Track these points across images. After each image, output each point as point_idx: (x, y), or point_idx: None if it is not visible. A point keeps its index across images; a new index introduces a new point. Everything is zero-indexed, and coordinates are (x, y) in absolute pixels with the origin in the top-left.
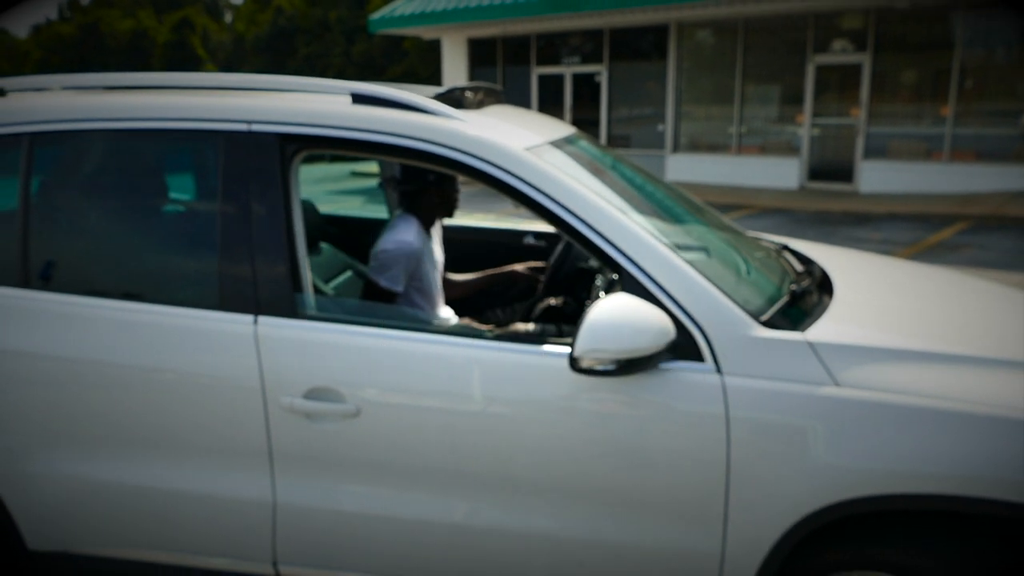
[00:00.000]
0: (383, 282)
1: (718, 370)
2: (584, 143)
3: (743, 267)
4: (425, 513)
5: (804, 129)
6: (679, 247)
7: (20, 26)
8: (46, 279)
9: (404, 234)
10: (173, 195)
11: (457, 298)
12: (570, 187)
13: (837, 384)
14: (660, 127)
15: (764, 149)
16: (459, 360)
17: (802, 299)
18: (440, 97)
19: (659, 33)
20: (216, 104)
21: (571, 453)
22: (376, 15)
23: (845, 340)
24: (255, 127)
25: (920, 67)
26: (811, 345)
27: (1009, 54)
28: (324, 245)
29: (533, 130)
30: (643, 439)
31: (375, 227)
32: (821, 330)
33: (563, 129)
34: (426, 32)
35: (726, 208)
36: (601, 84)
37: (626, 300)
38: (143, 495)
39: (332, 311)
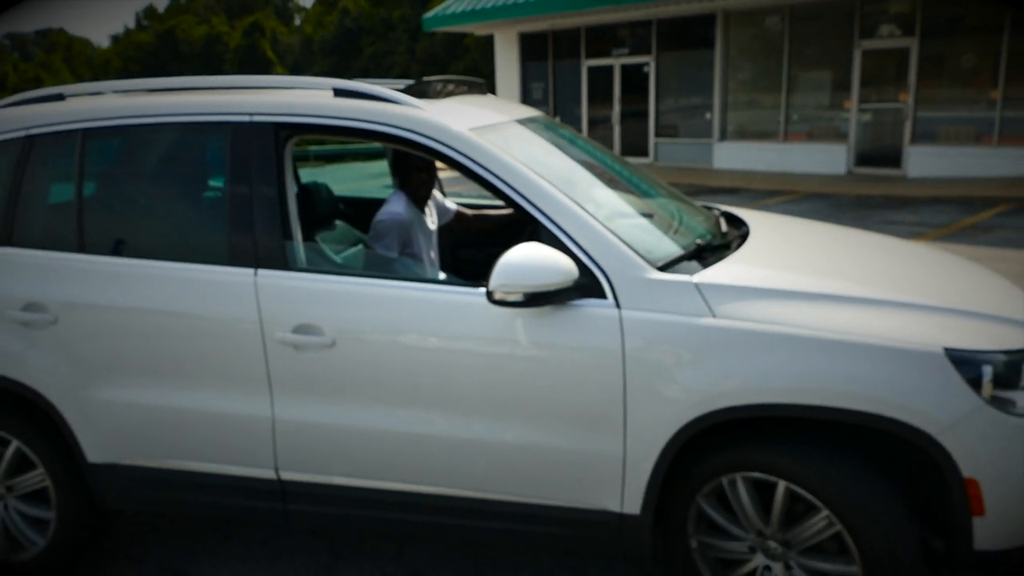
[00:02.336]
0: (379, 249)
1: (617, 305)
2: (546, 123)
3: (669, 226)
4: (389, 424)
5: (851, 115)
6: (616, 210)
7: (100, 35)
8: (96, 244)
9: (395, 207)
10: (193, 174)
11: (485, 229)
12: (497, 157)
13: (714, 316)
14: (708, 116)
15: (811, 135)
16: (410, 300)
17: (708, 251)
18: (409, 89)
19: (706, 23)
20: (225, 100)
21: (499, 374)
22: (430, 13)
23: (726, 282)
24: (255, 118)
25: (969, 51)
26: (696, 286)
27: None
28: (338, 222)
29: (497, 112)
30: (557, 362)
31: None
32: (709, 274)
33: (528, 112)
34: (478, 28)
35: (769, 194)
36: (649, 75)
37: (535, 247)
38: (175, 415)
39: (315, 264)
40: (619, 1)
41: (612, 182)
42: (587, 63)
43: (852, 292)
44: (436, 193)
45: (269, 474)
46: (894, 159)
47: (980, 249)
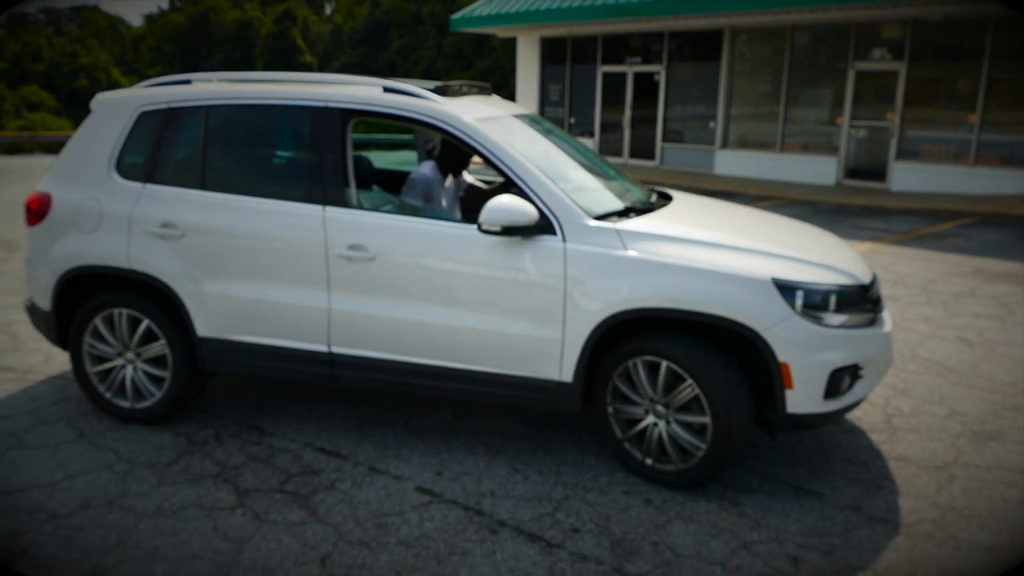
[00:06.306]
0: (407, 198)
1: (564, 240)
2: (534, 118)
3: (613, 193)
4: (408, 315)
5: (843, 130)
6: (573, 179)
7: (133, 15)
8: (213, 184)
9: (423, 169)
10: (282, 140)
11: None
12: (491, 138)
13: (626, 249)
14: (711, 124)
15: (806, 148)
16: (426, 231)
17: (635, 211)
18: (436, 89)
19: (714, 37)
20: (308, 91)
21: (483, 283)
22: (457, 15)
23: (637, 229)
24: (329, 104)
25: (952, 76)
26: (617, 230)
27: None
28: (375, 187)
29: (498, 109)
30: (523, 276)
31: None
32: (628, 224)
33: (521, 110)
34: (502, 31)
35: (759, 198)
36: (659, 83)
37: (511, 197)
38: (261, 304)
39: (363, 205)
40: (634, 13)
41: (576, 161)
42: (602, 69)
43: (724, 241)
44: (465, 173)
45: (323, 348)
46: (880, 173)
47: (923, 252)
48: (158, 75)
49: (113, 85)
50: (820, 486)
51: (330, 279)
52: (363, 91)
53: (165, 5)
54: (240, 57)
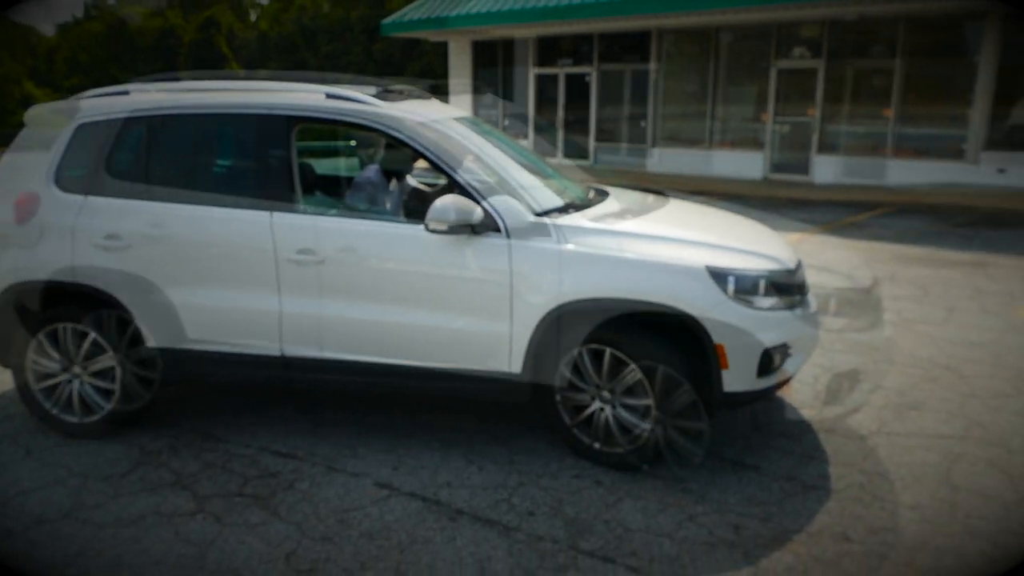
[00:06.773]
0: (352, 202)
1: (508, 237)
2: (474, 120)
3: (552, 191)
4: (360, 314)
5: (768, 126)
6: (515, 179)
7: (46, 24)
8: (158, 194)
9: (367, 173)
10: (227, 147)
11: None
12: (434, 141)
13: (568, 244)
14: (643, 124)
15: (734, 144)
16: (374, 231)
17: (573, 207)
18: (377, 94)
19: (642, 39)
20: (252, 98)
21: (433, 281)
22: (388, 20)
23: (576, 224)
24: (274, 111)
25: (867, 72)
26: (555, 226)
27: (945, 62)
28: (318, 192)
29: (438, 111)
30: (470, 273)
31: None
32: (566, 219)
33: (460, 112)
34: (433, 36)
35: (691, 194)
36: (591, 84)
37: (456, 196)
38: (212, 311)
39: (309, 209)
40: (563, 16)
41: (516, 161)
42: (535, 71)
43: (660, 232)
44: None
45: (276, 351)
46: (803, 167)
47: (846, 240)
48: (75, 87)
49: (26, 98)
50: (757, 460)
51: (280, 284)
52: (307, 98)
53: (80, 14)
54: (162, 67)
